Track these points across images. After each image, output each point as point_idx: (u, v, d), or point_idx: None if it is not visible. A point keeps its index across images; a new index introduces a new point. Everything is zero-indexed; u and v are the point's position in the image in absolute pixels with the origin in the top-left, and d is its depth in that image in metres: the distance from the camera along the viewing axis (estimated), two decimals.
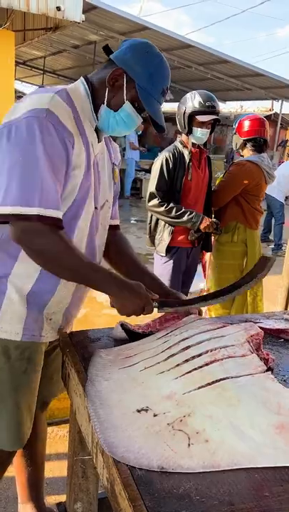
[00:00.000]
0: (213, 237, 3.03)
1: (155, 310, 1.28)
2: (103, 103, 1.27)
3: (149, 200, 2.73)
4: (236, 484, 0.80)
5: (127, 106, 1.27)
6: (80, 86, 1.29)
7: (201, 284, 3.16)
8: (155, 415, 0.94)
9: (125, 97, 1.26)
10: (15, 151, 1.12)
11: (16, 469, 1.68)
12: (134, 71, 1.24)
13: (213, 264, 3.11)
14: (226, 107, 16.14)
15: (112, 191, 1.48)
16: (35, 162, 1.10)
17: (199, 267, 3.13)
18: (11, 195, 1.10)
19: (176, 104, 2.74)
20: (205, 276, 3.20)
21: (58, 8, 5.87)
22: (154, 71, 1.26)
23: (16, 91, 9.61)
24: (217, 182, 3.08)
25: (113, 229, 1.55)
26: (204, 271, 3.20)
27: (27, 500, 1.70)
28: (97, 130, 1.33)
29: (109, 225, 1.52)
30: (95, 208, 1.37)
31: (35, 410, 1.48)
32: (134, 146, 9.75)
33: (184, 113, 2.63)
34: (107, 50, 1.31)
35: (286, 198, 7.49)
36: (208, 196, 2.91)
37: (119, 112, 1.27)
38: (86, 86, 1.28)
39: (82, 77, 1.31)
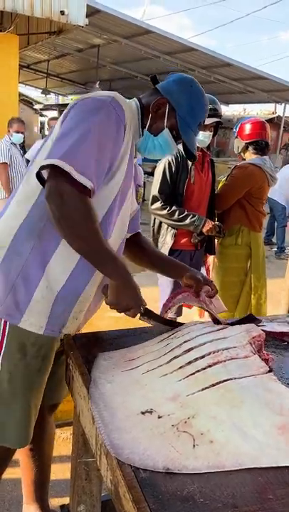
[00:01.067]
0: (216, 240, 3.03)
1: (137, 316, 1.30)
2: (145, 127, 1.36)
3: (151, 203, 2.74)
4: (240, 487, 0.80)
5: (166, 132, 1.36)
6: (132, 103, 1.39)
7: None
8: (159, 417, 0.94)
9: (165, 124, 1.35)
10: (74, 119, 1.21)
11: (23, 470, 1.69)
12: (178, 102, 1.34)
13: (217, 267, 3.11)
14: (228, 110, 16.17)
15: (133, 208, 1.56)
16: (86, 134, 1.16)
17: (203, 270, 3.12)
18: (56, 153, 1.14)
19: None
20: None
21: (62, 12, 5.92)
22: (195, 105, 1.37)
23: (19, 94, 9.66)
24: (220, 185, 3.08)
25: (137, 235, 1.66)
26: (208, 274, 3.19)
27: (32, 501, 1.71)
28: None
29: (135, 233, 1.63)
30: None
31: (44, 412, 1.49)
32: None
33: None
34: (154, 79, 1.41)
35: None
36: (212, 199, 2.91)
37: (158, 137, 1.37)
38: (138, 104, 1.38)
39: (135, 98, 1.41)
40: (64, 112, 1.30)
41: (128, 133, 1.28)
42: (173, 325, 1.42)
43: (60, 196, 1.12)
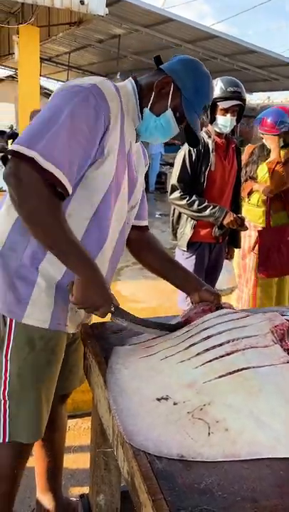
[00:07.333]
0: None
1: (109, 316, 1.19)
2: (146, 106, 1.31)
3: (170, 193, 2.65)
4: (260, 480, 0.77)
5: (169, 113, 1.30)
6: (127, 84, 1.33)
7: (230, 282, 3.05)
8: (175, 403, 0.93)
9: (169, 104, 1.30)
10: (47, 107, 1.15)
11: (36, 460, 1.69)
12: (183, 82, 1.29)
13: None
14: (252, 99, 15.85)
15: (140, 194, 1.51)
16: (57, 119, 1.10)
17: (229, 265, 3.01)
18: (21, 138, 1.09)
19: None
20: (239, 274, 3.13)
21: (82, 2, 5.87)
22: (200, 86, 1.32)
23: (41, 87, 9.70)
24: (265, 167, 2.99)
25: (143, 229, 1.57)
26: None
27: (45, 491, 1.71)
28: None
29: (139, 226, 1.54)
30: (131, 206, 1.40)
31: (55, 403, 1.47)
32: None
33: None
34: (158, 60, 1.36)
35: None
36: (237, 189, 2.82)
37: (160, 117, 1.31)
38: (134, 85, 1.32)
39: (130, 78, 1.35)
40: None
41: (114, 121, 1.21)
42: (149, 325, 1.27)
43: (17, 177, 1.05)
